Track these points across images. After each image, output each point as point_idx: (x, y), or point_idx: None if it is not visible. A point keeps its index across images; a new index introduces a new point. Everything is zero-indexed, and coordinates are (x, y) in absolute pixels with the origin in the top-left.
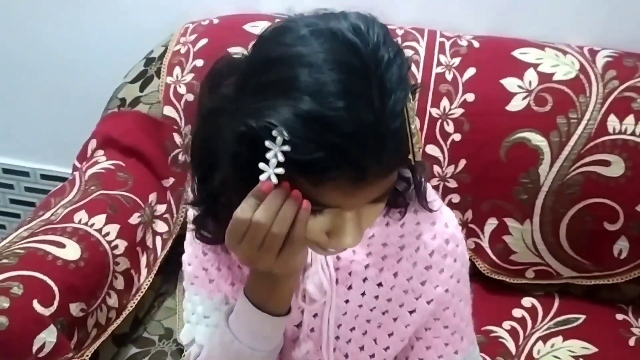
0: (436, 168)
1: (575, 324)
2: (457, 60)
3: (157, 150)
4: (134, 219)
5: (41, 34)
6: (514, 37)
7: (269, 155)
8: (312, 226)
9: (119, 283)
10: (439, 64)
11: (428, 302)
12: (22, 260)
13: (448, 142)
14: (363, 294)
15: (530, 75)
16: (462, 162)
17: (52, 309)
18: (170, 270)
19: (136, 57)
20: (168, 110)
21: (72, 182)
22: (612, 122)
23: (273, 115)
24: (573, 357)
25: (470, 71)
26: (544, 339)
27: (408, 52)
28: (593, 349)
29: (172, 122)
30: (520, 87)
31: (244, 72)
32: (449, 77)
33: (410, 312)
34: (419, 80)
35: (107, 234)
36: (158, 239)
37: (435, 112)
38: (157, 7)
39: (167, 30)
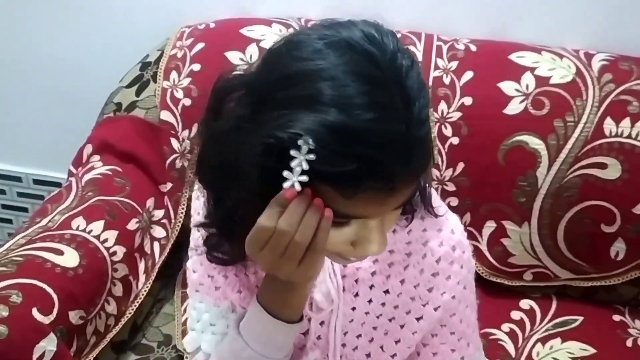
0: (434, 171)
1: (573, 325)
2: (454, 64)
3: (155, 156)
4: (132, 225)
5: (34, 37)
6: (510, 40)
7: (293, 163)
8: (337, 238)
9: (118, 290)
10: (437, 67)
11: (435, 309)
12: (21, 268)
13: (446, 146)
14: (370, 301)
15: (527, 79)
16: (461, 166)
17: (52, 317)
18: (168, 275)
19: (130, 62)
20: (165, 115)
21: (68, 188)
22: (609, 125)
23: (299, 126)
24: (572, 358)
25: (468, 75)
26: (543, 340)
27: None
28: (591, 351)
29: (170, 127)
30: (517, 90)
31: (258, 89)
32: (446, 80)
33: (418, 319)
34: None
35: (106, 240)
36: (156, 245)
37: (433, 115)
38: (152, 11)
39: (162, 34)
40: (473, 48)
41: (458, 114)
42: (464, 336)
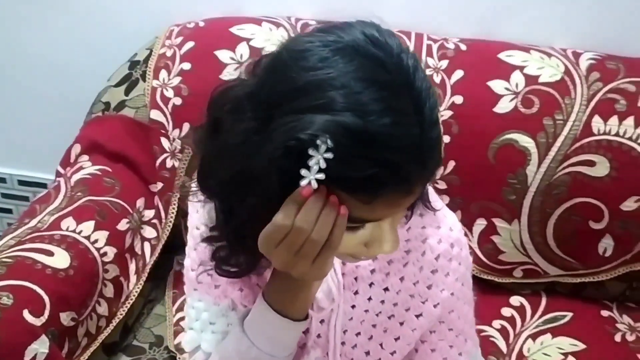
0: None
1: (562, 321)
2: (444, 63)
3: (145, 155)
4: (123, 225)
5: (19, 36)
6: (499, 40)
7: (311, 162)
8: (352, 241)
9: (109, 291)
10: (427, 66)
11: (434, 306)
12: (11, 269)
13: None
14: (369, 298)
15: (517, 78)
16: (451, 164)
17: (43, 319)
18: (158, 276)
19: (117, 60)
20: (155, 114)
21: (57, 189)
22: (597, 123)
23: (317, 127)
24: (562, 354)
25: (458, 73)
26: (534, 336)
27: None
28: (581, 346)
29: (160, 126)
30: (507, 89)
31: (265, 102)
32: (437, 79)
33: (417, 316)
34: None
35: (96, 241)
36: (147, 245)
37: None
38: (139, 10)
39: (149, 33)
40: (463, 47)
41: (449, 113)
42: (461, 332)
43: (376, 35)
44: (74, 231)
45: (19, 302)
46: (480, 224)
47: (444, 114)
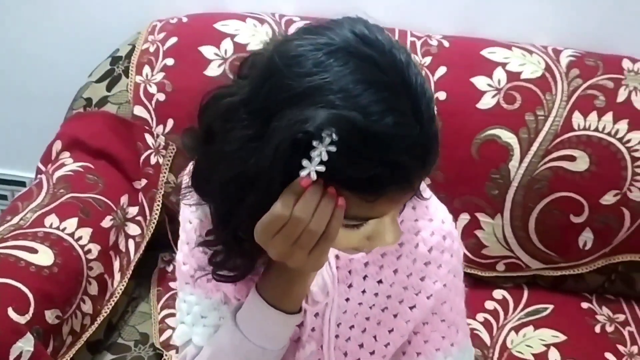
0: None
1: (544, 313)
2: (428, 60)
3: (128, 152)
4: (106, 222)
5: None
6: (482, 37)
7: (313, 153)
8: (355, 237)
9: (93, 288)
10: None
11: (428, 297)
12: None
13: None
14: (363, 291)
15: (499, 74)
16: None
17: (28, 316)
18: (142, 274)
19: (98, 56)
20: (138, 110)
21: (39, 185)
22: (577, 118)
23: (325, 120)
24: (544, 345)
25: (441, 70)
26: (516, 329)
27: None
28: (562, 337)
29: (143, 122)
30: (489, 85)
31: (262, 109)
32: None
33: (411, 308)
34: None
35: (80, 238)
36: (131, 242)
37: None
38: (119, 5)
39: (130, 28)
40: (446, 44)
41: None
42: (453, 323)
43: (366, 32)
44: (57, 228)
45: (3, 300)
46: (463, 218)
47: None
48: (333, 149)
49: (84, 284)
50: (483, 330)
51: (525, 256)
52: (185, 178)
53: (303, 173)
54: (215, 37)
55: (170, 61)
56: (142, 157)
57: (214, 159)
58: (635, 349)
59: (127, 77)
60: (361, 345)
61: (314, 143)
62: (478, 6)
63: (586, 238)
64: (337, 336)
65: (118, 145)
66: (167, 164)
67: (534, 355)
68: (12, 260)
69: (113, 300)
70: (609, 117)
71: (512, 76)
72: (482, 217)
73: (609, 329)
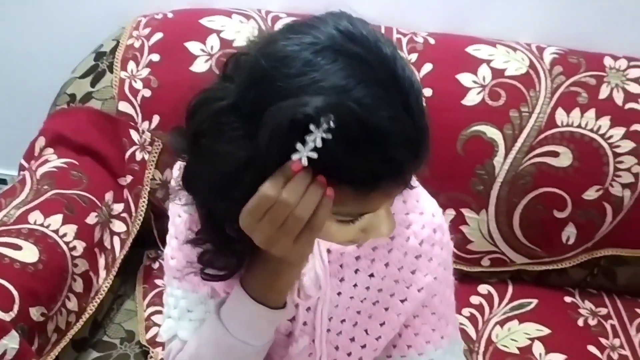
0: None
1: (528, 308)
2: (414, 57)
3: (112, 148)
4: (91, 219)
5: None
6: (466, 34)
7: (308, 138)
8: (350, 230)
9: (78, 285)
10: None
11: (419, 290)
12: None
13: None
14: (355, 285)
15: (484, 71)
16: None
17: (12, 314)
18: (127, 271)
19: (81, 51)
20: (123, 106)
21: (22, 182)
22: (560, 115)
23: (325, 105)
24: (529, 339)
25: (427, 67)
26: (501, 323)
27: None
28: (546, 331)
29: (129, 118)
30: (474, 82)
31: (252, 113)
32: None
33: (402, 301)
34: None
35: (65, 234)
36: (116, 239)
37: None
38: (102, 0)
39: (114, 24)
40: (431, 41)
41: None
42: (443, 316)
43: (350, 28)
44: (42, 225)
45: None
46: (449, 214)
47: None
48: (329, 136)
49: (69, 281)
50: (469, 325)
51: (510, 251)
52: (174, 176)
53: (295, 157)
54: (201, 33)
55: (155, 57)
56: (128, 154)
57: (203, 158)
58: (617, 341)
59: (112, 72)
60: (352, 339)
61: (311, 127)
62: (463, 4)
63: (569, 233)
64: (328, 330)
65: (103, 142)
66: (153, 161)
67: (519, 348)
68: None
69: (98, 298)
70: (591, 113)
71: (497, 73)
72: (467, 213)
73: (592, 322)
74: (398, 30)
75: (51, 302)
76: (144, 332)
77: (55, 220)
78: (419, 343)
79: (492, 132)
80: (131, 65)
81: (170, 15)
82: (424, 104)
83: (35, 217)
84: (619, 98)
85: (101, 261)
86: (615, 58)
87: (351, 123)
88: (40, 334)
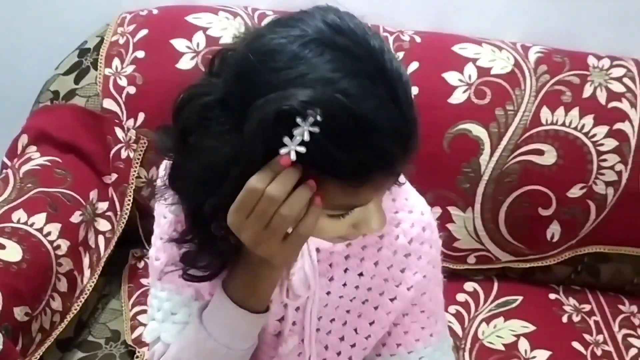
0: None
1: (513, 305)
2: (400, 55)
3: (97, 146)
4: (76, 218)
5: None
6: (452, 33)
7: (296, 131)
8: (340, 226)
9: (62, 285)
10: None
11: (408, 289)
12: None
13: None
14: (344, 284)
15: (470, 70)
16: None
17: None
18: (113, 270)
19: (64, 48)
20: (108, 104)
21: (5, 180)
22: (545, 113)
23: (312, 98)
24: (514, 335)
25: (414, 65)
26: (487, 320)
27: None
28: (532, 327)
29: (114, 115)
30: (460, 80)
31: (239, 107)
32: None
33: (392, 300)
34: None
35: (49, 233)
36: (101, 238)
37: None
38: None
39: (97, 20)
40: (418, 39)
41: None
42: (432, 314)
43: (338, 22)
44: (25, 223)
45: None
46: (435, 212)
47: None
48: (316, 130)
49: (53, 281)
50: (455, 322)
51: (496, 249)
52: (160, 175)
53: (283, 151)
54: (187, 29)
55: (140, 54)
56: (112, 152)
57: (190, 155)
58: (600, 337)
59: (96, 69)
60: (342, 338)
61: (298, 121)
62: (449, 2)
63: (554, 230)
64: (318, 329)
65: (87, 139)
66: (138, 159)
67: (504, 345)
68: None
69: (83, 297)
70: (575, 112)
71: (483, 72)
72: (453, 211)
73: (576, 318)
74: (384, 29)
75: (35, 301)
76: (129, 332)
77: (39, 218)
78: (408, 341)
79: (478, 131)
80: (116, 62)
81: (155, 11)
82: (413, 98)
83: (19, 215)
84: (602, 97)
85: (86, 260)
86: (599, 57)
87: (338, 114)
88: (25, 334)
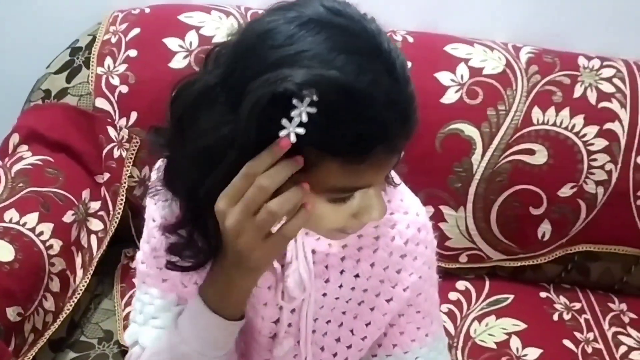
0: None
1: (505, 303)
2: None
3: (89, 145)
4: (68, 217)
5: None
6: (444, 33)
7: (293, 113)
8: (341, 214)
9: (55, 285)
10: None
11: (404, 290)
12: None
13: None
14: (340, 286)
15: (462, 70)
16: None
17: None
18: (105, 270)
19: (55, 47)
20: (100, 103)
21: None
22: (536, 113)
23: (306, 79)
24: (506, 333)
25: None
26: (479, 318)
27: None
28: (523, 326)
29: (106, 114)
30: (453, 80)
31: (236, 87)
32: None
33: (388, 301)
34: None
35: (41, 233)
36: (93, 238)
37: None
38: None
39: (88, 19)
40: (410, 39)
41: None
42: (428, 314)
43: (336, 5)
44: (17, 223)
45: None
46: (427, 211)
47: None
48: (313, 110)
49: (45, 281)
50: (447, 321)
51: (487, 248)
52: (154, 174)
53: (282, 133)
54: (180, 28)
55: (133, 52)
56: (105, 151)
57: (187, 143)
58: (591, 335)
59: (88, 68)
60: (338, 339)
61: (294, 102)
62: (441, 3)
63: (544, 229)
64: (314, 331)
65: (79, 138)
66: (131, 158)
67: (496, 343)
68: None
69: (75, 297)
70: (566, 112)
71: (475, 72)
72: (445, 210)
73: (566, 317)
74: None
75: (28, 301)
76: (122, 332)
77: (31, 218)
78: (404, 342)
79: (469, 130)
80: (108, 60)
81: (147, 10)
82: (410, 76)
83: (11, 215)
84: (592, 97)
85: (78, 260)
86: (589, 58)
87: (334, 91)
88: (17, 334)
